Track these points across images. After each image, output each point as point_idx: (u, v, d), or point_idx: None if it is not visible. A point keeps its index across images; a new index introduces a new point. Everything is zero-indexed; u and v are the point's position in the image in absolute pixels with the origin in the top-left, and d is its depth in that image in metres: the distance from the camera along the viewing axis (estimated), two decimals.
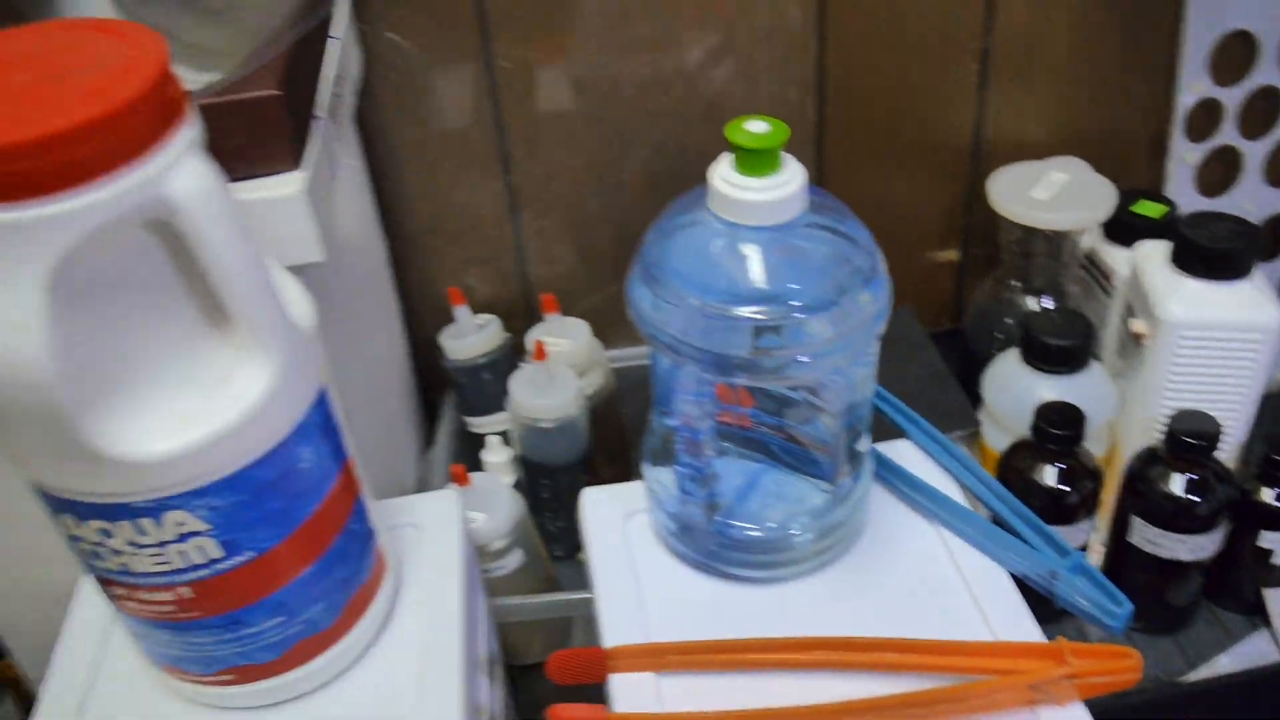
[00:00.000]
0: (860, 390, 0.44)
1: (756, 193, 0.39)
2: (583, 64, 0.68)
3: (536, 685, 0.60)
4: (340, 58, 0.56)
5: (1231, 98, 0.71)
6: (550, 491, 0.67)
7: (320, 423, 0.39)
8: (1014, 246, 0.69)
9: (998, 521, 0.46)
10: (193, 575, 0.38)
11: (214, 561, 0.37)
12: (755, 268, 0.39)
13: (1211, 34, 0.68)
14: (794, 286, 0.39)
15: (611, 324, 0.73)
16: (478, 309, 0.73)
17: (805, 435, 0.46)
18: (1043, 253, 0.68)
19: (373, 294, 0.70)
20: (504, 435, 0.70)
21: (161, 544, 0.36)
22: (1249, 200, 0.73)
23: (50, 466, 0.35)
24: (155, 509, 0.35)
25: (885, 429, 0.53)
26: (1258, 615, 0.61)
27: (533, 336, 0.69)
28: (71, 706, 0.43)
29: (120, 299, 0.34)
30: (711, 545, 0.46)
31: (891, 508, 0.49)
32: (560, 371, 0.65)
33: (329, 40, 0.56)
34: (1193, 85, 0.70)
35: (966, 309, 0.77)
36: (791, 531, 0.45)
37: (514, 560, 0.59)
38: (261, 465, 0.37)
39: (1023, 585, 0.45)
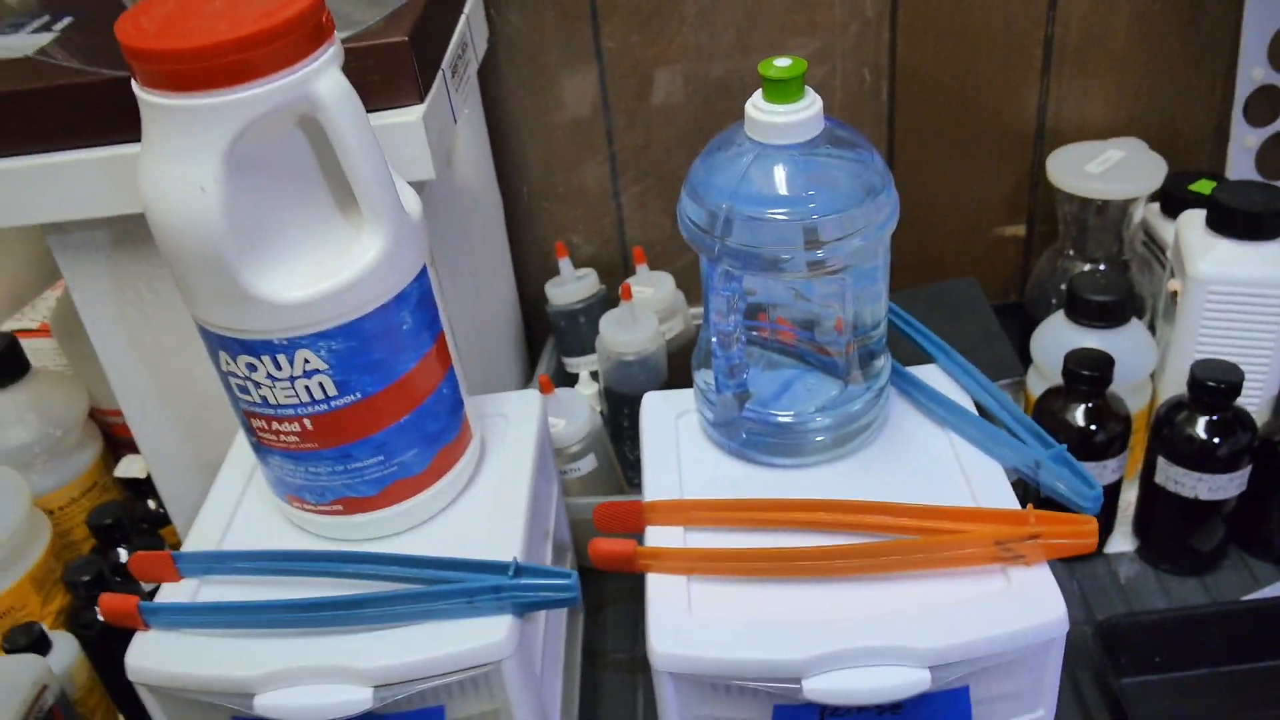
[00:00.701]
0: (868, 304, 0.51)
1: (781, 116, 0.47)
2: (678, 46, 0.77)
3: (605, 585, 0.67)
4: (465, 29, 0.66)
5: None
6: (630, 421, 0.75)
7: (420, 295, 0.49)
8: (1070, 218, 0.74)
9: (996, 425, 0.52)
10: (313, 409, 0.47)
11: (329, 398, 0.47)
12: (779, 177, 0.47)
13: (1271, 23, 0.72)
14: (811, 193, 0.47)
15: (698, 283, 0.81)
16: (580, 265, 0.82)
17: (828, 343, 0.53)
18: (1096, 225, 0.73)
19: (488, 245, 0.80)
20: (595, 374, 0.79)
21: (291, 379, 0.46)
22: None
23: (214, 305, 0.45)
24: (289, 347, 0.46)
25: (921, 358, 0.59)
26: None
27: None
28: (216, 533, 0.54)
29: (274, 178, 0.44)
30: (743, 433, 0.53)
31: (910, 417, 0.55)
32: (643, 312, 0.73)
33: (459, 16, 0.67)
34: (1252, 72, 0.73)
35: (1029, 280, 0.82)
36: (811, 419, 0.52)
37: (587, 464, 0.67)
38: (371, 318, 0.46)
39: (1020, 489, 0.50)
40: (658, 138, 0.80)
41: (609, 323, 0.73)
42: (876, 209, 0.48)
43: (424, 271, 0.49)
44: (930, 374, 0.57)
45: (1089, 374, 0.61)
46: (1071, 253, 0.75)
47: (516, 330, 0.86)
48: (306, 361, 0.46)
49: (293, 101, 0.42)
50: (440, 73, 0.59)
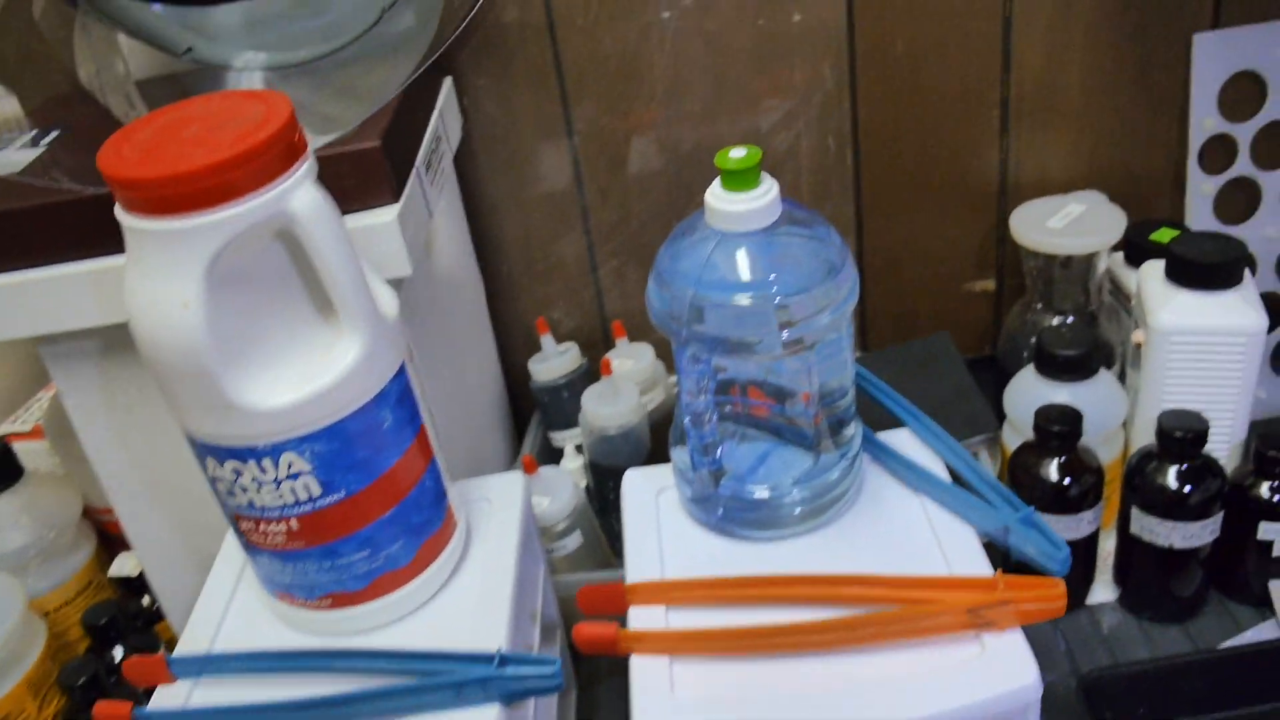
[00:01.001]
0: (835, 374, 0.52)
1: (740, 204, 0.48)
2: (648, 124, 0.79)
3: (597, 660, 0.68)
4: (438, 124, 0.69)
5: (1244, 132, 0.76)
6: (616, 494, 0.76)
7: (399, 392, 0.50)
8: (1036, 273, 0.76)
9: (966, 487, 0.53)
10: (299, 510, 0.49)
11: (315, 498, 0.48)
12: (742, 263, 0.49)
13: (1219, 75, 0.75)
14: (774, 276, 0.49)
15: None
16: (561, 339, 0.84)
17: (797, 415, 0.54)
18: (1061, 278, 0.75)
19: (471, 326, 0.82)
20: (579, 447, 0.80)
21: (277, 481, 0.48)
22: (1270, 227, 0.77)
23: (200, 416, 0.47)
24: (274, 451, 0.47)
25: (893, 423, 0.60)
26: (1266, 606, 0.64)
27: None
28: (209, 633, 0.55)
29: (254, 289, 0.46)
30: (720, 509, 0.54)
31: (884, 483, 0.57)
32: (624, 386, 0.75)
33: (432, 112, 0.69)
34: (1204, 122, 0.76)
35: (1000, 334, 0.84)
36: (787, 492, 0.53)
37: (573, 541, 0.69)
38: (352, 419, 0.48)
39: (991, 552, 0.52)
40: (633, 211, 0.83)
41: (590, 397, 0.75)
42: (837, 287, 0.49)
43: (403, 369, 0.51)
44: (901, 439, 0.59)
45: (1059, 429, 0.63)
46: (1040, 306, 0.77)
47: (502, 407, 0.88)
48: (291, 464, 0.47)
49: (270, 218, 0.44)
50: (415, 170, 0.61)
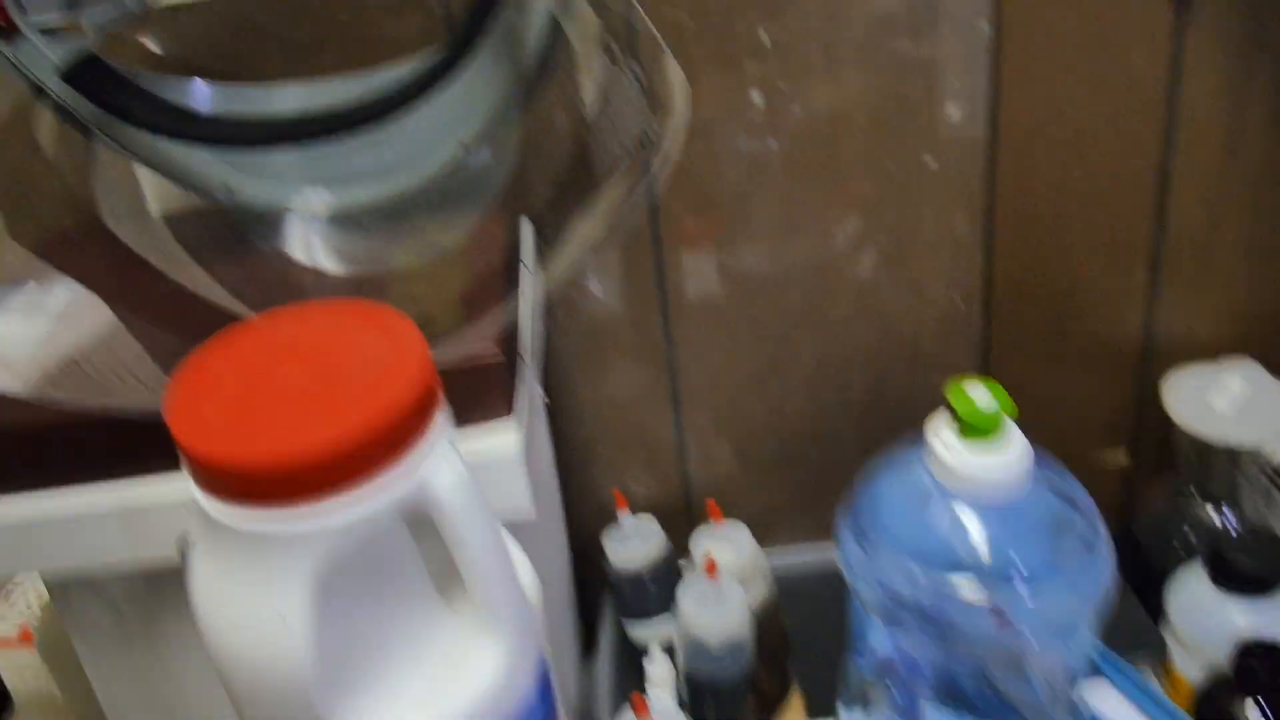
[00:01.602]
0: (1080, 654, 0.43)
1: (985, 469, 0.38)
2: (747, 274, 0.69)
3: None
4: (535, 288, 0.58)
5: None
6: (715, 710, 0.65)
7: (542, 693, 0.39)
8: (1192, 456, 0.67)
9: None
10: None
11: None
12: (978, 542, 0.39)
13: None
14: (1015, 557, 0.39)
15: (768, 525, 0.72)
16: (637, 509, 0.73)
17: (1015, 695, 0.44)
18: (1223, 464, 0.66)
19: (541, 499, 0.71)
20: (666, 648, 0.69)
21: None
22: None
23: None
24: None
25: None
26: None
27: (695, 541, 0.68)
28: None
29: (366, 584, 0.35)
30: None
31: None
32: (730, 589, 0.64)
33: (521, 268, 0.58)
34: None
35: (1138, 514, 0.75)
36: None
37: None
38: None
39: None
40: (727, 373, 0.72)
41: (691, 599, 0.64)
42: (1090, 569, 0.39)
43: (544, 660, 0.40)
44: (1105, 697, 0.49)
45: (1272, 672, 0.53)
46: (1194, 489, 0.68)
47: (569, 590, 0.76)
48: None
49: (401, 502, 0.33)
50: (524, 365, 0.50)
